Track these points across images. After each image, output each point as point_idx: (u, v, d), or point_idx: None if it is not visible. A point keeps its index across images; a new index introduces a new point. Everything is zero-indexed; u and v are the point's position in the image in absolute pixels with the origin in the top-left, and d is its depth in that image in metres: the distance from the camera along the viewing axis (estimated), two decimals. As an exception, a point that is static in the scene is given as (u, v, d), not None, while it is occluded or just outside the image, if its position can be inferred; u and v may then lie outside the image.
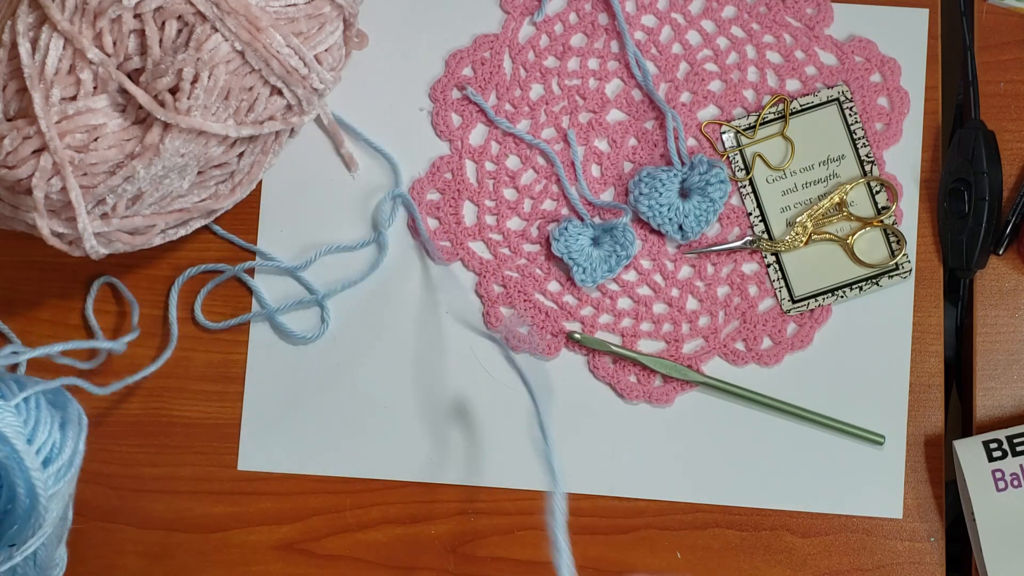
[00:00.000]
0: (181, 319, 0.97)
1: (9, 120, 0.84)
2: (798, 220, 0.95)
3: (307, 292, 0.96)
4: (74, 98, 0.84)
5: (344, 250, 0.96)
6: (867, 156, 0.96)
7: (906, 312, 0.95)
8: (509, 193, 0.97)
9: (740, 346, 0.95)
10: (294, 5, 0.87)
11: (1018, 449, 0.90)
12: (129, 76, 0.85)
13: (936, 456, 0.94)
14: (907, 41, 0.97)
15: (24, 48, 0.83)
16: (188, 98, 0.84)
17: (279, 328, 0.96)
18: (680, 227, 0.95)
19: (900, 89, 0.96)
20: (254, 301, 0.97)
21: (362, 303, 0.96)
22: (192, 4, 0.84)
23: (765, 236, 0.95)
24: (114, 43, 0.84)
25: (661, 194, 0.94)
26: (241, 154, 0.90)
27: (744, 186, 0.96)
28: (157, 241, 0.91)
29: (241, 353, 0.97)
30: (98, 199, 0.85)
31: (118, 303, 0.97)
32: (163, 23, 0.84)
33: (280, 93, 0.88)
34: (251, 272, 0.97)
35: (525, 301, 0.96)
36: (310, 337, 0.96)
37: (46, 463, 0.84)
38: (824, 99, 0.96)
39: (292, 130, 0.93)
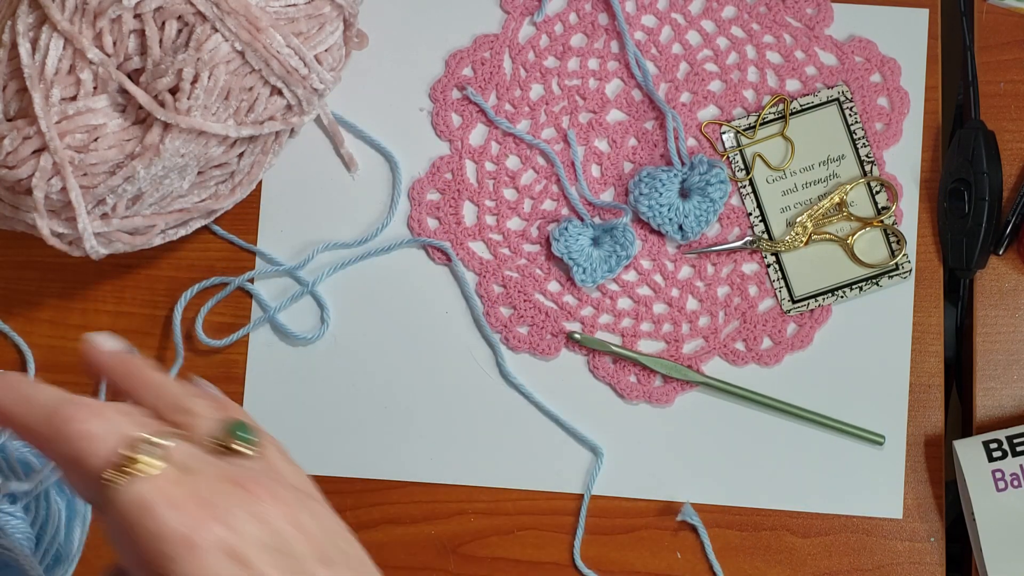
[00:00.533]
0: (182, 320, 0.97)
1: (9, 120, 0.84)
2: (798, 220, 0.95)
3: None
4: (74, 98, 0.84)
5: (342, 247, 0.96)
6: (867, 156, 0.96)
7: (906, 312, 0.95)
8: (509, 193, 0.97)
9: (740, 346, 0.95)
10: (294, 5, 0.87)
11: (1018, 449, 0.90)
12: (129, 76, 0.85)
13: (936, 456, 0.94)
14: (907, 41, 0.97)
15: (24, 48, 0.83)
16: (188, 98, 0.84)
17: (279, 328, 0.96)
18: (680, 227, 0.95)
19: (900, 89, 0.96)
20: (254, 304, 0.97)
21: (362, 303, 0.96)
22: (192, 4, 0.84)
23: (765, 236, 0.95)
24: (114, 43, 0.84)
25: (661, 194, 0.94)
26: (241, 154, 0.90)
27: (744, 186, 0.96)
28: (157, 241, 0.91)
29: (241, 353, 0.96)
30: (98, 199, 0.85)
31: (116, 303, 0.97)
32: (163, 23, 0.84)
33: (280, 93, 0.88)
34: (250, 279, 0.97)
35: (525, 301, 0.96)
36: (310, 337, 0.96)
37: (52, 566, 0.81)
38: (824, 99, 0.96)
39: (292, 130, 0.93)
